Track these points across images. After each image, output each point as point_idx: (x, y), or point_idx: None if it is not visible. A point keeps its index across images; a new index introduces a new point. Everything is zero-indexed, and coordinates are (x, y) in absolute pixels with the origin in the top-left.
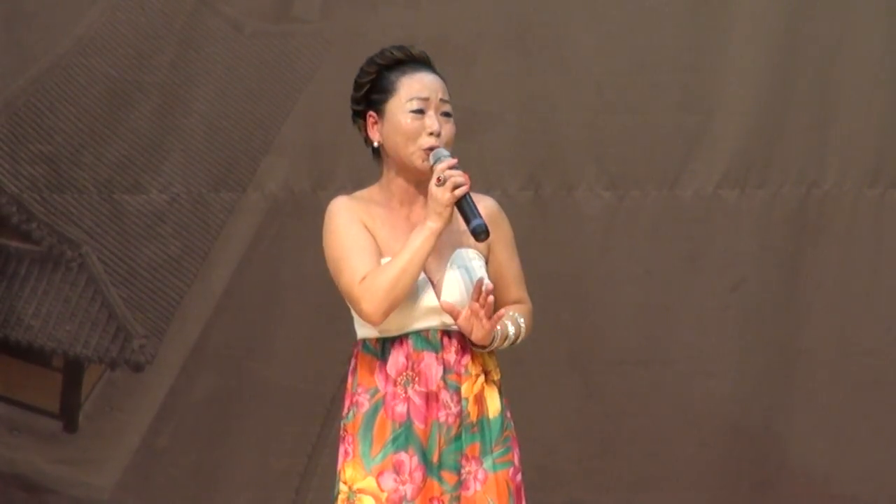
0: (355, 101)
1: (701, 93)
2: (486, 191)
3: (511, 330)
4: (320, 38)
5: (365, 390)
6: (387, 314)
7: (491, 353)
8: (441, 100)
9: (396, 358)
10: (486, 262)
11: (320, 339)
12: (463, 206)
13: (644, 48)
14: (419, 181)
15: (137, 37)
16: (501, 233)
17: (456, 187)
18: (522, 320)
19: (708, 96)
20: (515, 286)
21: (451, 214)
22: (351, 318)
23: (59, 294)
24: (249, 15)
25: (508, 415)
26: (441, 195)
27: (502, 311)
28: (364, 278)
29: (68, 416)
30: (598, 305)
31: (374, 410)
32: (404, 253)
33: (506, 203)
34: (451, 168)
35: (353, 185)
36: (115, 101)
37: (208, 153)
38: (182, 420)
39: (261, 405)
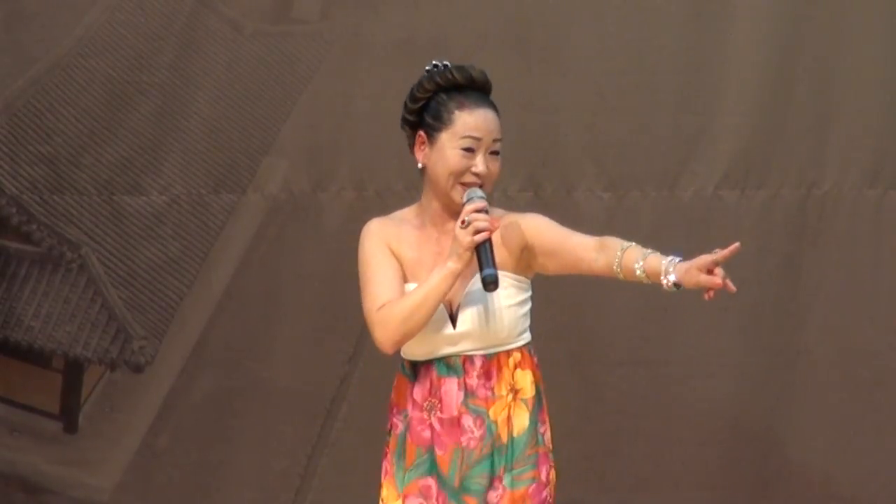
0: (408, 111)
1: (701, 93)
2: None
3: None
4: (320, 38)
5: (399, 411)
6: (398, 345)
7: (525, 369)
8: (493, 139)
9: (423, 383)
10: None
11: (320, 339)
12: (480, 252)
13: (644, 48)
14: (454, 211)
15: (137, 38)
16: (528, 223)
17: (477, 232)
18: (627, 243)
19: (708, 96)
20: (575, 236)
21: (472, 256)
22: (350, 319)
23: (58, 295)
24: (249, 15)
25: (542, 430)
26: (462, 238)
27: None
28: (382, 307)
29: (68, 416)
30: (598, 306)
31: (405, 433)
32: (422, 289)
33: (506, 203)
34: (478, 211)
35: (353, 185)
36: (115, 102)
37: (208, 154)
38: (182, 420)
39: (261, 405)
